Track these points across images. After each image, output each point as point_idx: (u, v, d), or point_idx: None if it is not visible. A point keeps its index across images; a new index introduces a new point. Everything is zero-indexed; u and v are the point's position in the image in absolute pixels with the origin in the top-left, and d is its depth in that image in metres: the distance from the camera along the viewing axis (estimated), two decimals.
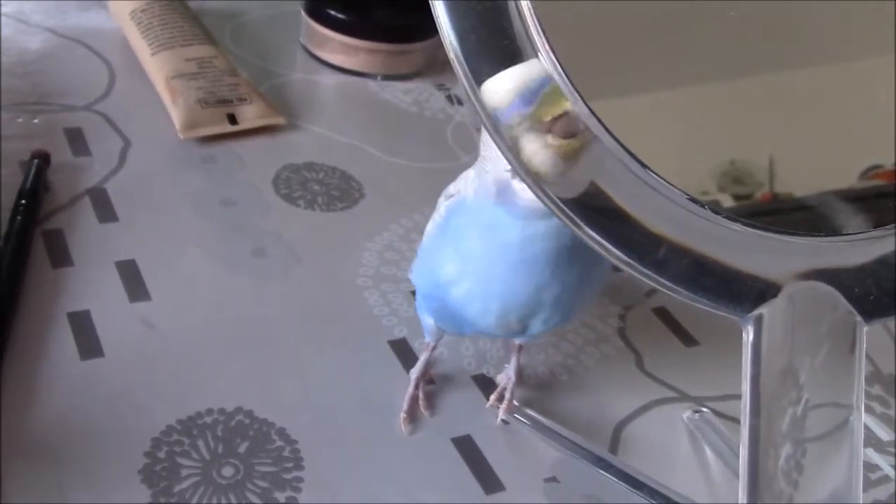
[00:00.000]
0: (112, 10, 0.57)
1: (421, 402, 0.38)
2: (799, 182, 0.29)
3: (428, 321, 0.37)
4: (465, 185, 0.33)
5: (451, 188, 0.35)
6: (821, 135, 0.29)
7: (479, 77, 0.25)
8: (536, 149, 0.26)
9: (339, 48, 0.59)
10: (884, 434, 0.43)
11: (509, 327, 0.34)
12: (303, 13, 0.60)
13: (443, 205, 0.35)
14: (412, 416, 0.37)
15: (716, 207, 0.27)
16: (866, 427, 0.43)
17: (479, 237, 0.32)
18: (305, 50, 0.61)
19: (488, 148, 0.31)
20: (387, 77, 0.60)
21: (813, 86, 0.29)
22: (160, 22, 0.54)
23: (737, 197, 0.28)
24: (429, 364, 0.39)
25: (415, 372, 0.38)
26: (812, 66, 0.29)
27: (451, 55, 0.25)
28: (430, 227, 0.35)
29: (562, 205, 0.26)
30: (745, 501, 0.26)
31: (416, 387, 0.38)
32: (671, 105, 0.28)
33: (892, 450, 0.42)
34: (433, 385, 0.39)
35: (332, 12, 0.58)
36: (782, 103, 0.29)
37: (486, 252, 0.32)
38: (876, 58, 0.29)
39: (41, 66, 0.53)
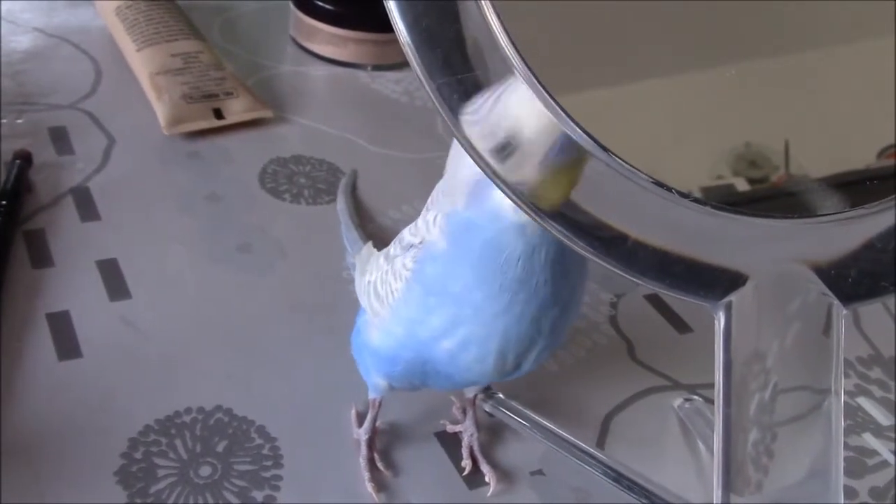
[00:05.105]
0: (98, 8, 0.57)
1: (379, 464, 0.35)
2: (815, 164, 0.28)
3: (379, 382, 0.34)
4: (427, 230, 0.30)
5: (408, 236, 0.31)
6: (837, 116, 0.29)
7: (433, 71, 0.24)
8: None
9: (328, 39, 0.58)
10: (883, 418, 0.42)
11: (504, 368, 0.31)
12: (291, 5, 0.60)
13: (402, 257, 0.31)
14: (378, 481, 0.35)
15: (683, 192, 0.26)
16: (864, 411, 0.42)
17: (472, 268, 0.29)
18: (295, 42, 0.60)
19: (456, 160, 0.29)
20: (377, 67, 0.59)
21: (829, 66, 0.28)
22: (145, 18, 0.54)
23: (752, 180, 0.27)
24: (375, 421, 0.36)
25: (364, 433, 0.35)
26: (828, 46, 0.28)
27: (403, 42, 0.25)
28: (384, 283, 0.32)
29: (521, 200, 0.25)
30: (720, 496, 0.25)
31: (370, 448, 0.35)
32: (685, 88, 0.27)
33: (892, 434, 0.41)
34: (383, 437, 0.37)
35: (321, 3, 0.58)
36: (798, 84, 0.28)
37: (484, 282, 0.29)
38: (894, 37, 0.28)
39: (28, 66, 0.53)
